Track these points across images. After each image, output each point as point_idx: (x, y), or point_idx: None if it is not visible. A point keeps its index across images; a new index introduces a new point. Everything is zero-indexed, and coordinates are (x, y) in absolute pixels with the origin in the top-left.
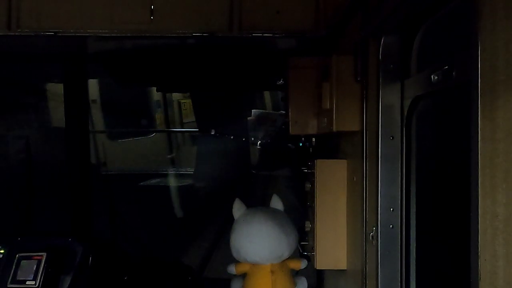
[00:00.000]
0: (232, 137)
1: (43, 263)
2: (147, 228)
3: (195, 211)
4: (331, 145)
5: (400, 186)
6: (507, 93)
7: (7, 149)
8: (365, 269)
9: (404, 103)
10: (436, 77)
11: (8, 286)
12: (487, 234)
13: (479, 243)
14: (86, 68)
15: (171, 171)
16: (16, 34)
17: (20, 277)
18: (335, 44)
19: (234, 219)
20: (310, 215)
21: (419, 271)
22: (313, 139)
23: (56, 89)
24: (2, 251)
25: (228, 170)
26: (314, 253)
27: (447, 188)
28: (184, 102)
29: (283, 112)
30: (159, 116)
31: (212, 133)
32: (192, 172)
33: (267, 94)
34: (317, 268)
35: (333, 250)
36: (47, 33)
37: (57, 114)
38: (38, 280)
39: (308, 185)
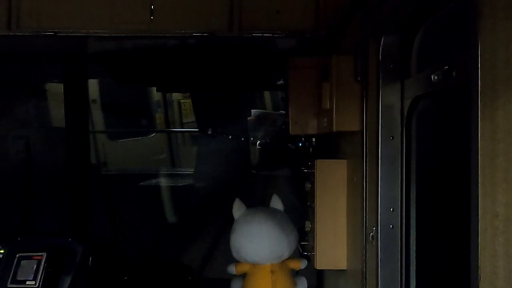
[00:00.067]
0: (231, 137)
1: (43, 263)
2: (147, 228)
3: (195, 211)
4: (331, 145)
5: (400, 186)
6: (507, 93)
7: (7, 149)
8: (365, 269)
9: (404, 103)
10: (436, 77)
11: (8, 286)
12: (487, 234)
13: (479, 243)
14: (86, 68)
15: (171, 171)
16: (16, 34)
17: (20, 277)
18: (335, 44)
19: (234, 219)
20: (310, 215)
21: (419, 271)
22: (313, 139)
23: (56, 89)
24: (2, 251)
25: (228, 170)
26: (314, 253)
27: (447, 188)
28: (184, 102)
29: (283, 112)
30: (159, 116)
31: (209, 132)
32: (192, 172)
33: (267, 94)
34: (317, 268)
35: (333, 250)
36: (47, 33)
37: (57, 114)
38: (38, 280)
39: (308, 185)
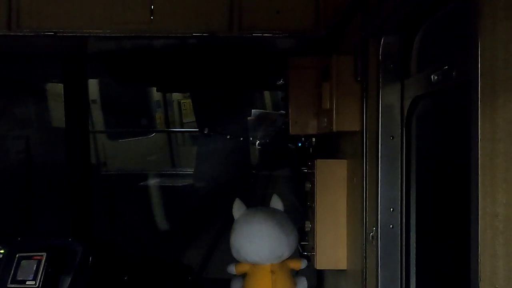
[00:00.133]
0: (230, 137)
1: (43, 263)
2: (147, 228)
3: (195, 211)
4: (331, 145)
5: (400, 186)
6: (507, 93)
7: (7, 149)
8: (365, 269)
9: (404, 103)
10: (436, 77)
11: (8, 286)
12: (487, 234)
13: (479, 243)
14: (86, 68)
15: (171, 171)
16: (16, 34)
17: (20, 277)
18: (335, 44)
19: (234, 219)
20: (310, 215)
21: (419, 271)
22: (313, 139)
23: (56, 89)
24: (2, 251)
25: (228, 170)
26: (314, 253)
27: (447, 188)
28: (184, 102)
29: (283, 112)
30: (159, 116)
31: (205, 131)
32: (192, 172)
33: (267, 94)
34: (317, 268)
35: (333, 250)
36: (47, 33)
37: (57, 114)
38: (38, 280)
39: (308, 185)
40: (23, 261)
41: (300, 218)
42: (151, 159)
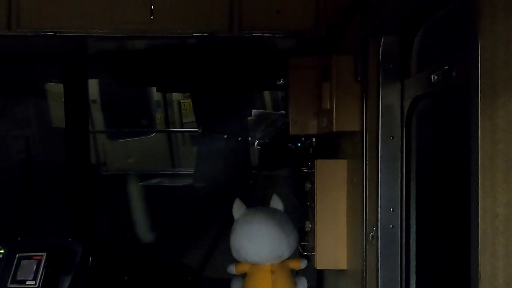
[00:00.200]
0: (229, 137)
1: (43, 263)
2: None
3: (195, 211)
4: (331, 145)
5: (400, 186)
6: (507, 93)
7: (7, 149)
8: (365, 269)
9: (404, 103)
10: (436, 77)
11: (8, 286)
12: (487, 234)
13: (479, 243)
14: (86, 68)
15: (171, 171)
16: (16, 34)
17: (20, 277)
18: (335, 44)
19: (234, 219)
20: (310, 215)
21: (419, 271)
22: (313, 139)
23: (56, 89)
24: (2, 251)
25: (228, 170)
26: (314, 253)
27: (447, 188)
28: (184, 102)
29: (283, 112)
30: (159, 116)
31: (200, 130)
32: (192, 172)
33: (267, 94)
34: (317, 268)
35: (333, 250)
36: (47, 33)
37: (57, 114)
38: (38, 280)
39: (308, 185)
40: (23, 261)
41: (300, 218)
42: (156, 159)
